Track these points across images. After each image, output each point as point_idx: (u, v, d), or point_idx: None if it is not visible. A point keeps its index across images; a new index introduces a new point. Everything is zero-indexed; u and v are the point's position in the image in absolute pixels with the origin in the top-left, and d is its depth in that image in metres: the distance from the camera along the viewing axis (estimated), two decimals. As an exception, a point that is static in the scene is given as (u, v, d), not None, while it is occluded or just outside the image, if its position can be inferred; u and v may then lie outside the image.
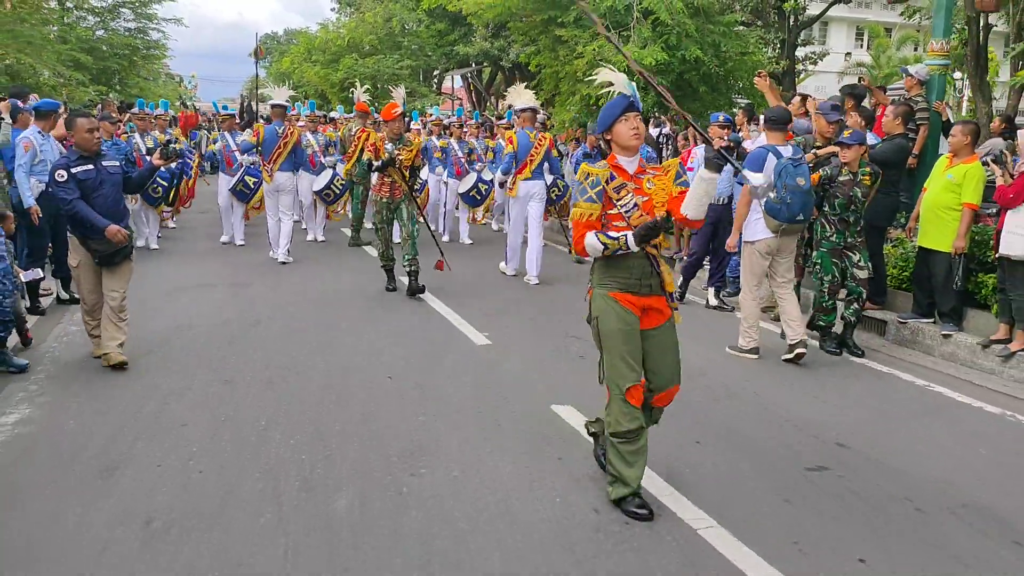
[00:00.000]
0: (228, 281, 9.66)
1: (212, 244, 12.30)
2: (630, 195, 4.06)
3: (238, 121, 15.15)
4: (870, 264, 7.20)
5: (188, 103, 27.80)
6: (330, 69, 31.19)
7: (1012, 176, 6.67)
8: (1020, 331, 6.59)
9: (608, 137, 4.15)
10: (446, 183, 13.36)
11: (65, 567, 3.49)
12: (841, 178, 7.06)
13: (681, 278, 9.01)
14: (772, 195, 6.67)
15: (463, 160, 13.26)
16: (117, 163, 6.45)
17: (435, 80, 35.88)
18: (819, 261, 7.21)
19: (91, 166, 6.10)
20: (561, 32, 13.40)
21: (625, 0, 12.22)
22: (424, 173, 12.34)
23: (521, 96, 10.44)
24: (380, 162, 8.64)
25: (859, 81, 13.76)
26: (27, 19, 14.72)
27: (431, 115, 16.80)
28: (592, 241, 4.03)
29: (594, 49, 12.34)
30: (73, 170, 6.01)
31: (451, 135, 13.47)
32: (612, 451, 4.12)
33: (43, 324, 7.51)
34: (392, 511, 4.01)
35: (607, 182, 4.07)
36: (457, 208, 13.42)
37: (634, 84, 4.10)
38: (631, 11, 12.22)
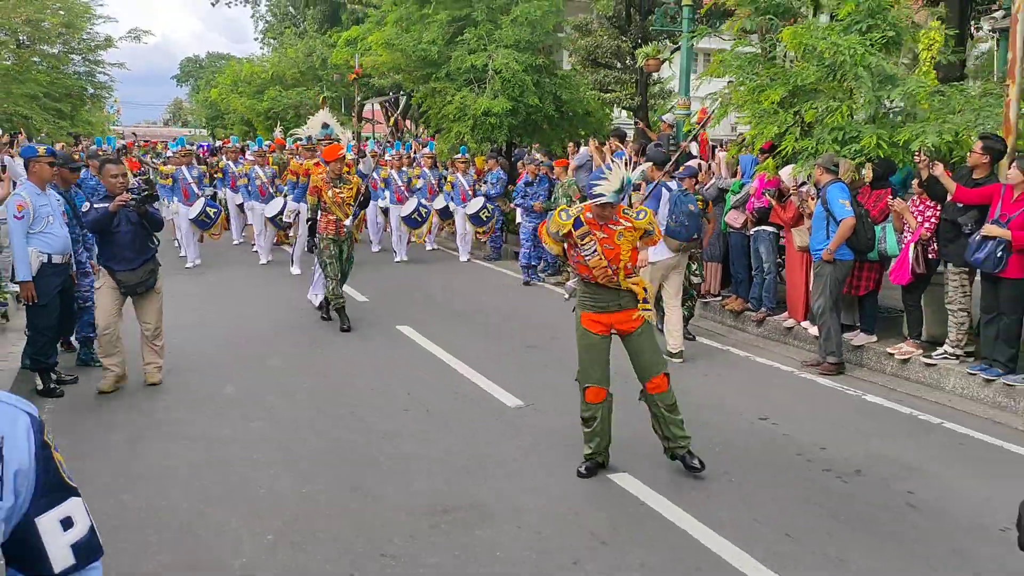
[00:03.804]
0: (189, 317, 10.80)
1: (178, 263, 13.30)
2: (593, 244, 4.93)
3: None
4: (702, 273, 9.21)
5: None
6: (255, 100, 32.39)
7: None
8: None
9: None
10: (385, 210, 14.88)
11: None
12: (694, 208, 8.36)
13: None
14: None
15: (403, 188, 14.77)
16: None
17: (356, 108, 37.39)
18: None
19: (107, 205, 6.57)
20: (435, 84, 16.27)
21: (483, 61, 15.19)
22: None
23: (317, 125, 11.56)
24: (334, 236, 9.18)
25: (635, 124, 17.05)
26: (19, 77, 15.98)
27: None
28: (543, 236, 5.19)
29: (461, 97, 15.30)
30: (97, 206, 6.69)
31: (392, 167, 14.94)
32: (583, 432, 5.25)
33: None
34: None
35: (573, 228, 4.97)
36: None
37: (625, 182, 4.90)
38: (487, 70, 15.33)
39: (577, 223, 4.98)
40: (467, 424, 6.25)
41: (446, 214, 15.06)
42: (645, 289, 5.24)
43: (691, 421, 5.44)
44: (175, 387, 7.03)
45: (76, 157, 10.22)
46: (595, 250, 4.95)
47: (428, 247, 15.96)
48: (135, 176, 15.57)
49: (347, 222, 9.25)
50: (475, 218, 14.39)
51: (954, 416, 6.66)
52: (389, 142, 21.27)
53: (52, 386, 6.74)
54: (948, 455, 5.85)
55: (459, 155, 15.39)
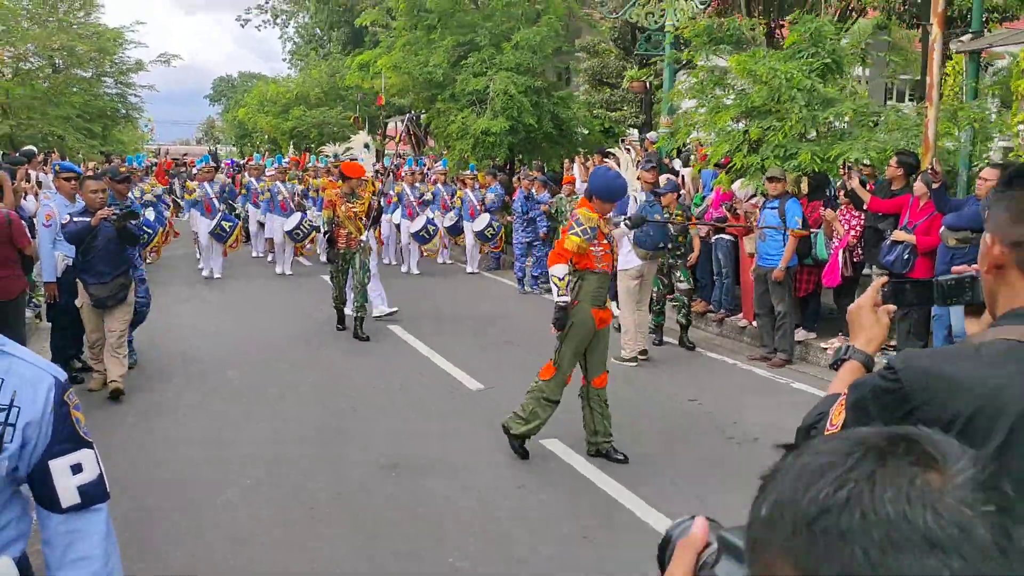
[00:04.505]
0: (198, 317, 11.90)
1: (195, 276, 14.47)
2: (600, 241, 5.71)
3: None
4: (691, 279, 9.66)
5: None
6: (280, 119, 33.81)
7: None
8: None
9: (597, 200, 5.67)
10: (397, 225, 15.84)
11: None
12: (660, 216, 9.07)
13: None
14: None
15: (415, 204, 15.65)
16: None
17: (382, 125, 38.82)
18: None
19: (89, 219, 6.95)
20: (439, 105, 17.60)
21: (484, 84, 16.36)
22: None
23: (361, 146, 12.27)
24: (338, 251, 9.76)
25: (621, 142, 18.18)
26: (54, 99, 17.48)
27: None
28: (559, 269, 5.57)
29: (463, 117, 16.53)
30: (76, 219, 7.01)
31: (405, 182, 15.91)
32: (533, 403, 5.66)
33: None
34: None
35: (588, 240, 5.59)
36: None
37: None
38: (488, 92, 16.51)
39: (589, 235, 5.61)
40: (429, 401, 7.27)
41: (456, 230, 15.75)
42: None
43: (632, 402, 6.39)
44: (188, 374, 8.13)
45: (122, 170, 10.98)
46: (602, 249, 5.73)
47: (440, 260, 16.74)
48: (164, 191, 16.92)
49: (363, 237, 9.81)
50: (481, 235, 15.17)
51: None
52: (402, 158, 22.35)
53: (73, 374, 7.44)
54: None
55: (467, 172, 16.35)
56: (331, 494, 5.27)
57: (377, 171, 15.05)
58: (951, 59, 16.44)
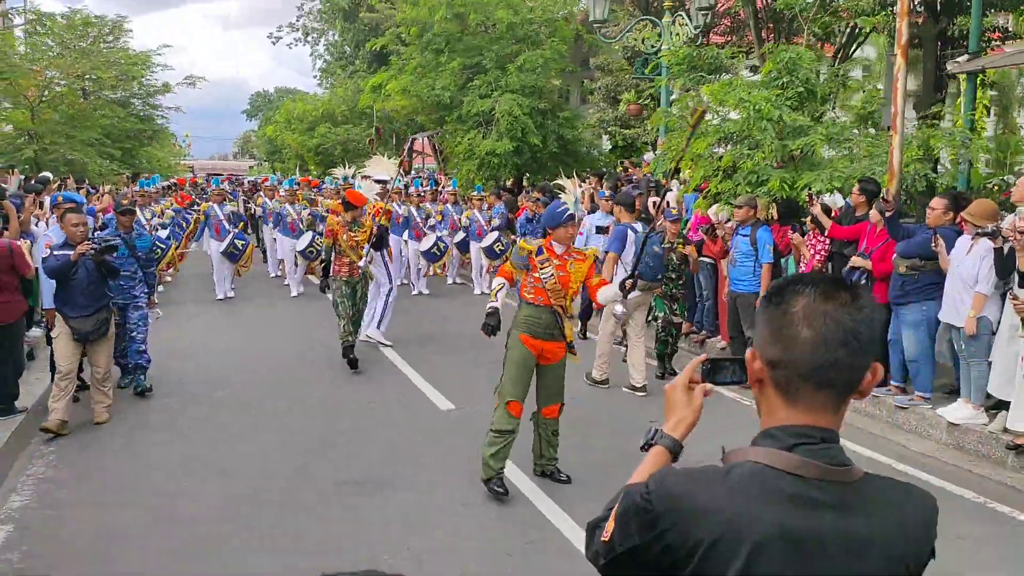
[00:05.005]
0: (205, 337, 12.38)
1: (209, 295, 14.96)
2: (551, 268, 5.87)
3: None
4: (685, 314, 9.81)
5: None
6: (306, 136, 34.59)
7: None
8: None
9: (549, 230, 6.03)
10: (406, 242, 16.19)
11: None
12: (664, 246, 9.10)
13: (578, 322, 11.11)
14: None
15: (422, 224, 16.00)
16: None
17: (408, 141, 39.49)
18: (654, 304, 9.46)
19: (69, 253, 7.15)
20: (448, 126, 18.24)
21: (489, 106, 16.82)
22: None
23: (379, 167, 12.28)
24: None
25: (621, 163, 18.58)
26: (80, 123, 18.40)
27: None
28: (496, 283, 6.18)
29: (469, 139, 17.02)
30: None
31: (411, 203, 16.27)
32: (487, 442, 5.75)
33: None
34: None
35: (536, 254, 5.91)
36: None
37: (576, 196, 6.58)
38: (493, 113, 16.98)
39: (539, 251, 5.94)
40: (400, 420, 7.66)
41: (465, 247, 16.04)
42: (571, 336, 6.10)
43: (587, 420, 6.68)
44: (191, 392, 8.62)
45: (125, 201, 11.41)
46: (551, 274, 5.88)
47: (448, 281, 16.98)
48: (185, 211, 17.53)
49: (360, 263, 9.62)
50: (489, 251, 15.20)
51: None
52: (411, 178, 22.80)
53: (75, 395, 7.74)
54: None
55: (475, 192, 16.67)
56: (282, 507, 5.66)
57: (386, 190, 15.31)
58: (954, 79, 16.56)
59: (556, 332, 5.91)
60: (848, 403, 1.57)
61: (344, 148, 33.49)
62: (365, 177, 14.48)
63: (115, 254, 7.46)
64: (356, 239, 9.67)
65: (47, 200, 11.42)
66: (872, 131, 11.88)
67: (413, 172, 35.99)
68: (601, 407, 8.19)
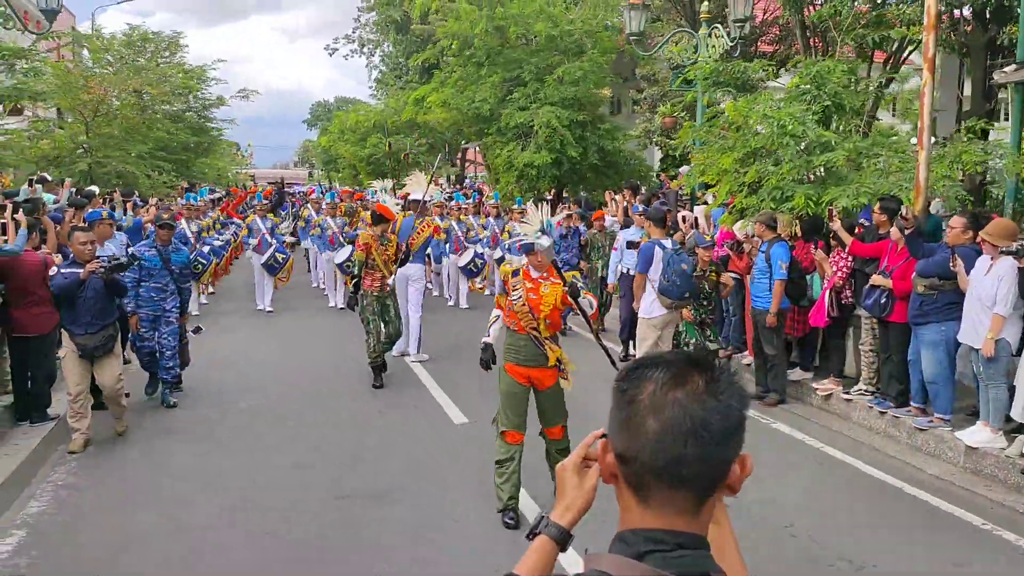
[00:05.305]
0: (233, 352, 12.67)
1: (250, 306, 15.32)
2: (521, 290, 5.66)
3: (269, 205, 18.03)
4: (719, 339, 9.58)
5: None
6: (359, 147, 35.12)
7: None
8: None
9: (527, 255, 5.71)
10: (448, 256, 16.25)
11: None
12: (696, 273, 8.73)
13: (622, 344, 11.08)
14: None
15: (462, 239, 15.90)
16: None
17: (460, 151, 39.86)
18: (684, 330, 9.00)
19: (79, 272, 7.22)
20: (488, 139, 18.51)
21: (528, 118, 16.92)
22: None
23: (417, 185, 12.13)
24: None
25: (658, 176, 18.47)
26: (132, 137, 19.12)
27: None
28: (493, 315, 5.99)
29: (508, 151, 17.17)
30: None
31: (452, 217, 16.29)
32: (495, 472, 5.70)
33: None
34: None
35: (511, 276, 5.78)
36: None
37: (545, 225, 6.03)
38: (532, 125, 17.09)
39: (515, 272, 5.77)
40: (412, 433, 7.77)
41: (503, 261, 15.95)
42: (559, 359, 5.82)
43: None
44: (230, 401, 8.91)
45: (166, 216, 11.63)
46: (520, 296, 5.66)
47: (487, 292, 16.56)
48: (230, 221, 17.93)
49: (390, 280, 9.68)
50: (465, 269, 15.23)
51: (835, 440, 7.72)
52: (449, 192, 22.93)
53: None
54: (801, 466, 6.93)
55: (516, 205, 16.64)
56: (289, 517, 5.79)
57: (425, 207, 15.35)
58: (1004, 88, 16.13)
59: (540, 358, 5.73)
60: (716, 500, 1.37)
61: (395, 159, 33.88)
62: (403, 191, 14.59)
63: (121, 272, 7.50)
64: (388, 253, 9.64)
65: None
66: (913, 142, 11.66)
67: (467, 180, 36.35)
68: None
